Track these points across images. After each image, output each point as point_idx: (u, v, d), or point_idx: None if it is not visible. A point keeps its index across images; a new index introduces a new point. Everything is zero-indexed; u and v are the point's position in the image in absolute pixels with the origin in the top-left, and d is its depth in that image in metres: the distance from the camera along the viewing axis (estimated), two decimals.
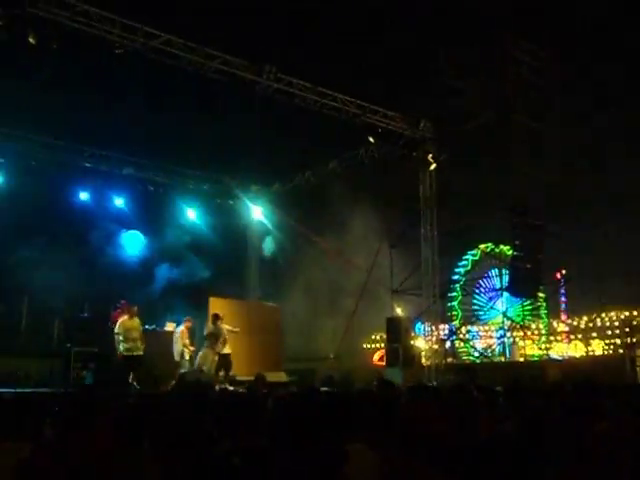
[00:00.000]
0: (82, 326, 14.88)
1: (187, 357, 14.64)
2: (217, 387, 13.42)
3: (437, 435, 4.05)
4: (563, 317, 31.57)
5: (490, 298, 32.15)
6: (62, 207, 18.50)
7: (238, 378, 14.62)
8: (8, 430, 4.28)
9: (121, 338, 13.29)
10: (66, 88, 13.82)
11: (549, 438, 4.14)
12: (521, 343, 28.65)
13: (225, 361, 14.33)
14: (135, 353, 13.35)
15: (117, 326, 13.45)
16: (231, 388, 13.77)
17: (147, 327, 15.20)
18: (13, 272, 16.23)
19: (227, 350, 14.44)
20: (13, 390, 10.82)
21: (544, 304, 31.72)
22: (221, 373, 14.32)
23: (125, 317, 13.53)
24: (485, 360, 28.11)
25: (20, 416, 4.44)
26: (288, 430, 3.85)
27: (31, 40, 12.03)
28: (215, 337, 13.97)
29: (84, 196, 19.23)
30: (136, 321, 13.60)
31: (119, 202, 19.93)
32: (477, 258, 32.66)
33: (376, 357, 26.18)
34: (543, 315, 32.40)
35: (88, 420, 4.38)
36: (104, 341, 14.12)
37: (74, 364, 14.11)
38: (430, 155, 17.79)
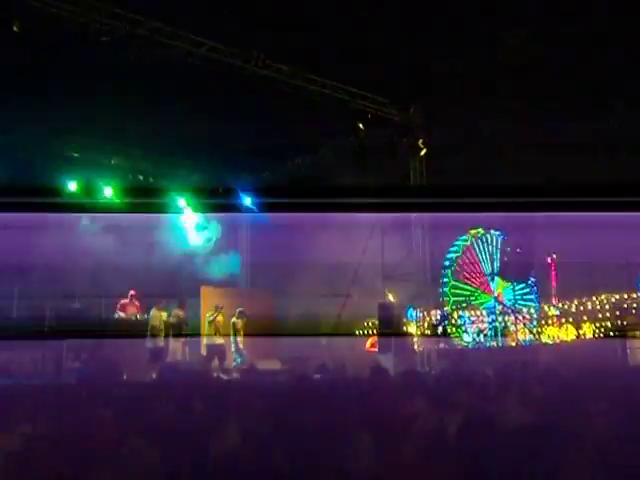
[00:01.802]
0: (74, 316, 14.82)
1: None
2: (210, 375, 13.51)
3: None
4: (554, 301, 31.69)
5: (481, 283, 32.25)
6: (51, 197, 18.31)
7: (230, 366, 14.63)
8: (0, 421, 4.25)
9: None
10: (51, 77, 13.65)
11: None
12: (513, 328, 28.76)
13: (218, 351, 14.35)
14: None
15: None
16: (225, 377, 13.80)
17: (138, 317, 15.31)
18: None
19: (220, 340, 14.47)
20: (5, 382, 10.76)
21: (535, 288, 31.84)
22: (214, 363, 14.34)
23: (154, 309, 14.46)
24: (477, 345, 28.20)
25: (12, 407, 4.41)
26: (281, 419, 3.83)
27: (15, 28, 11.88)
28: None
29: (73, 186, 19.04)
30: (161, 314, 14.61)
31: (108, 192, 19.74)
32: (468, 243, 32.73)
33: (368, 344, 26.22)
34: (534, 299, 32.53)
35: (83, 411, 4.34)
36: (97, 331, 14.11)
37: (66, 355, 14.08)
38: (420, 141, 17.78)
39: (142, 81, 14.39)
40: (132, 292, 15.37)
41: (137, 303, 15.31)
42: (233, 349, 15.47)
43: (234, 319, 15.40)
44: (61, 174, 18.70)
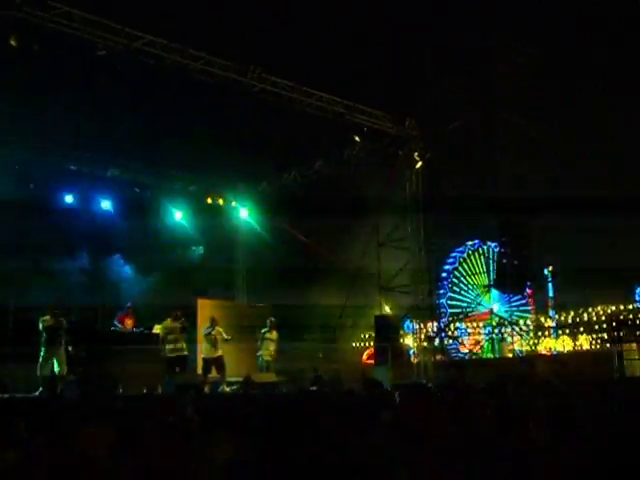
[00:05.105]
0: (69, 331, 14.73)
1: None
2: (206, 389, 13.45)
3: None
4: (550, 312, 31.73)
5: (478, 295, 32.29)
6: (47, 210, 18.30)
7: (228, 379, 14.57)
8: None
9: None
10: (48, 90, 13.70)
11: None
12: (509, 339, 28.78)
13: (217, 363, 14.25)
14: (176, 354, 13.55)
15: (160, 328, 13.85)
16: (227, 389, 13.75)
17: (134, 329, 15.25)
18: None
19: (219, 352, 14.37)
20: None
21: (531, 300, 31.88)
22: (211, 375, 14.27)
23: (168, 319, 13.81)
24: (474, 357, 28.24)
25: (5, 423, 4.40)
26: (277, 432, 3.83)
27: (12, 42, 11.93)
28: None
29: (69, 199, 19.01)
30: (176, 323, 13.82)
31: (105, 205, 19.73)
32: (464, 255, 32.79)
33: (365, 356, 26.19)
34: (530, 311, 32.56)
35: (77, 427, 4.33)
36: (92, 345, 14.03)
37: None
38: (416, 153, 17.82)
39: (139, 94, 14.48)
40: (129, 304, 15.37)
41: (133, 316, 15.28)
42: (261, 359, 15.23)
43: (265, 330, 15.20)
44: (58, 187, 18.67)
